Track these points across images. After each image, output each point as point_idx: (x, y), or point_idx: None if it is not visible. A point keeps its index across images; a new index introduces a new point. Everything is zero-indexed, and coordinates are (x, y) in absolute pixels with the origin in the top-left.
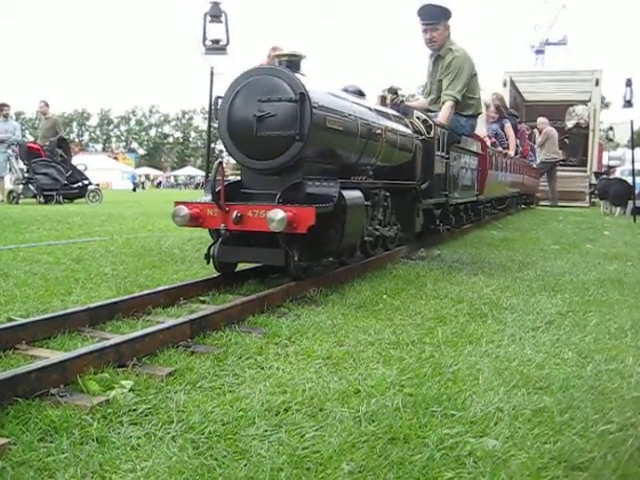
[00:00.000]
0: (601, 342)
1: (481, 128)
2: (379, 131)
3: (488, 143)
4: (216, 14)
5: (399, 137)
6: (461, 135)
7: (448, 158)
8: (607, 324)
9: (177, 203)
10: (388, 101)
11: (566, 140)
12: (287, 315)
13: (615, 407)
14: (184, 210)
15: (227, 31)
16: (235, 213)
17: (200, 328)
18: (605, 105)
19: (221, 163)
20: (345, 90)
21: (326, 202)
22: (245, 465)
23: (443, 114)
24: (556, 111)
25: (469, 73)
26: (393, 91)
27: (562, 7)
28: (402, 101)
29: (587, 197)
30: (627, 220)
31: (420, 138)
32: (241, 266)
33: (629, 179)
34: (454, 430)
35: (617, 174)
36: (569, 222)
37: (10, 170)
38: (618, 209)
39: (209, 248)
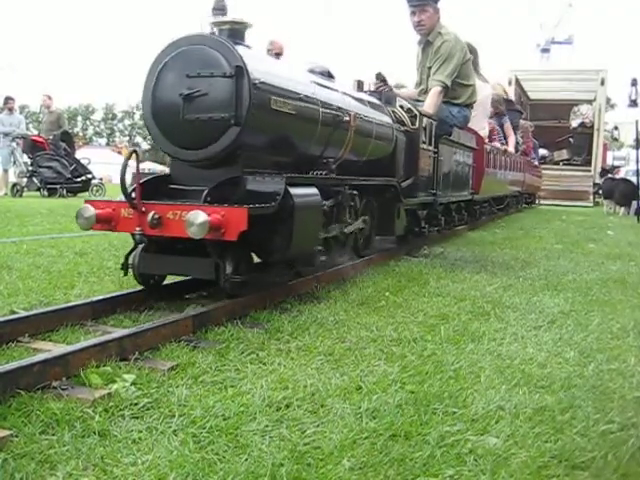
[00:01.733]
0: (603, 342)
1: (480, 122)
2: (347, 118)
3: (486, 132)
4: (220, 7)
5: (375, 127)
6: (452, 126)
7: (437, 152)
8: (609, 324)
9: (86, 202)
10: (369, 87)
11: (570, 139)
12: (289, 311)
13: (616, 407)
14: (90, 210)
15: None
16: (152, 214)
17: (202, 323)
18: (610, 105)
19: (135, 152)
20: (311, 71)
21: (267, 201)
22: (246, 460)
23: (429, 102)
24: (561, 110)
25: (460, 57)
26: (381, 77)
27: (568, 6)
28: (390, 89)
29: (591, 197)
30: (631, 220)
31: (402, 129)
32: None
33: (633, 179)
34: (455, 428)
35: (622, 174)
36: (572, 221)
37: (14, 163)
38: (622, 209)
39: (126, 256)
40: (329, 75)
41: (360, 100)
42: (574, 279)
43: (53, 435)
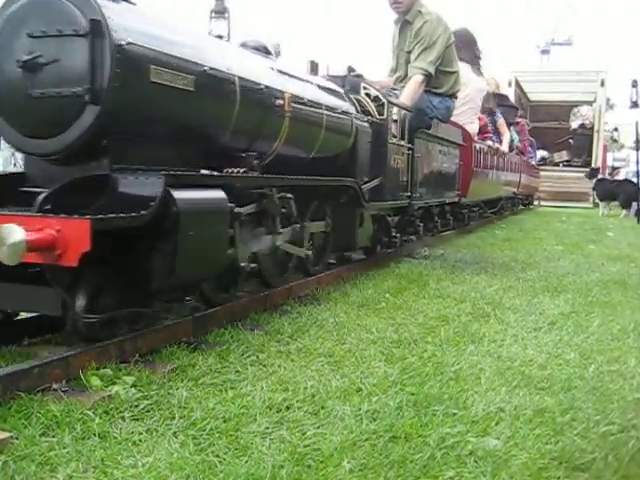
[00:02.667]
0: (603, 343)
1: (469, 118)
2: (281, 101)
3: (475, 129)
4: (220, 10)
5: (327, 116)
6: (433, 119)
7: (412, 148)
8: (610, 325)
9: None
10: (327, 72)
11: (570, 141)
12: (289, 313)
13: (617, 408)
14: None
15: (229, 27)
16: None
17: (202, 325)
18: (610, 106)
19: None
20: (243, 45)
21: (134, 208)
22: (246, 462)
23: (408, 91)
24: (561, 111)
25: (444, 41)
26: (351, 70)
27: (567, 7)
28: (359, 75)
29: (590, 198)
30: (631, 221)
31: (366, 120)
32: None
33: (633, 180)
34: (455, 429)
35: (621, 175)
36: (572, 223)
37: (14, 165)
38: (624, 211)
39: None
40: (266, 51)
41: (306, 82)
42: (574, 280)
43: (53, 437)
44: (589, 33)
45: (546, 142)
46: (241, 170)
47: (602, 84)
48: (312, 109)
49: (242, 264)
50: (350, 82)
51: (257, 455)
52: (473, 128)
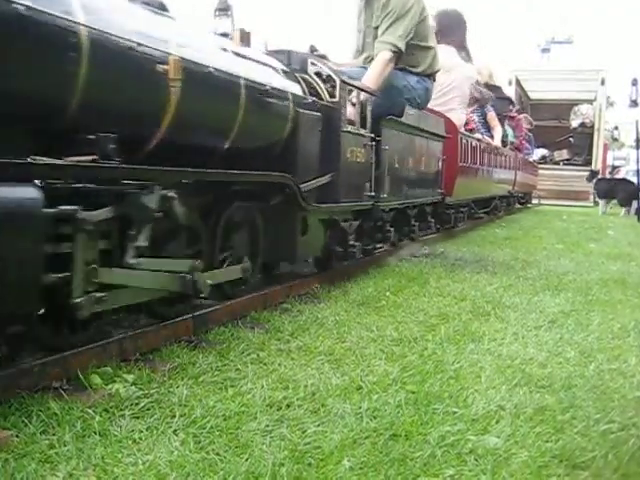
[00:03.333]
0: (604, 341)
1: (454, 107)
2: (164, 67)
3: (461, 120)
4: (224, 8)
5: (246, 92)
6: (410, 102)
7: (378, 139)
8: (610, 324)
9: None
10: (265, 46)
11: (571, 139)
12: (289, 311)
13: (617, 406)
14: None
15: (233, 25)
16: None
17: (203, 323)
18: (610, 104)
19: None
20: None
21: None
22: (246, 460)
23: (373, 72)
24: (561, 110)
25: (416, 13)
26: (313, 50)
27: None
28: (323, 56)
29: (591, 197)
30: (631, 220)
31: (311, 103)
32: None
33: (633, 179)
34: (456, 427)
35: (622, 174)
36: (573, 221)
37: None
38: (623, 209)
39: None
40: (161, 8)
41: (223, 49)
42: (574, 279)
43: (54, 435)
44: (589, 32)
45: (546, 141)
46: (89, 158)
47: (602, 83)
48: (220, 82)
49: (79, 300)
50: (296, 58)
51: (257, 453)
52: (459, 119)
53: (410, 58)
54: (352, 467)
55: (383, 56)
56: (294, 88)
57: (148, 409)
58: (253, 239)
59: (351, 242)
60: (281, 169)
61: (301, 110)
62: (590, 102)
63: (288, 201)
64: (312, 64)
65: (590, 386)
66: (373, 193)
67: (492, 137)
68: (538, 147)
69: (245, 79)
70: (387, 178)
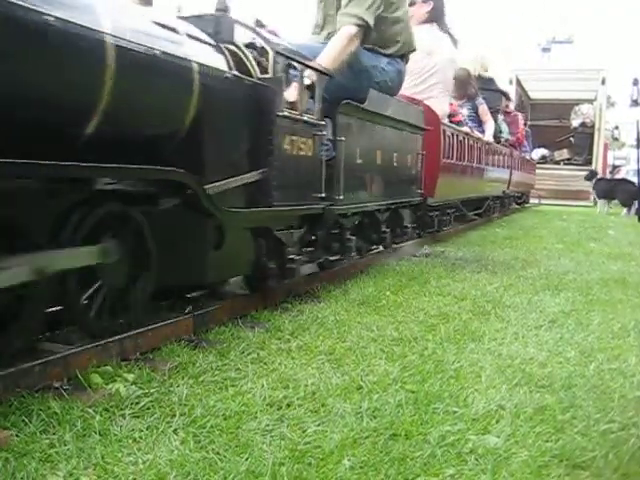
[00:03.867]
0: (604, 341)
1: (434, 94)
2: None
3: (444, 111)
4: (222, 9)
5: (118, 56)
6: (381, 86)
7: (334, 129)
8: (610, 323)
9: None
10: (178, 10)
11: (571, 139)
12: (290, 310)
13: (617, 406)
14: None
15: None
16: None
17: (203, 323)
18: (611, 104)
19: None
20: None
21: None
22: (246, 459)
23: (331, 48)
24: (562, 110)
25: None
26: (260, 24)
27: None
28: (273, 32)
29: (591, 196)
30: (632, 220)
31: (227, 77)
32: None
33: (634, 179)
34: (456, 427)
35: (622, 174)
36: (573, 221)
37: None
38: (624, 209)
39: None
40: None
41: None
42: (575, 279)
43: (54, 434)
44: (590, 31)
45: (547, 140)
46: None
47: (603, 82)
48: (69, 37)
49: None
50: (222, 24)
51: (257, 452)
52: (442, 108)
53: (380, 36)
54: (352, 466)
55: (347, 30)
56: (211, 59)
57: (148, 408)
58: (137, 256)
59: (291, 256)
60: (184, 164)
61: (213, 87)
62: (591, 102)
63: (189, 205)
64: (235, 30)
65: (590, 386)
66: (324, 194)
67: (483, 132)
68: (539, 147)
69: (115, 37)
70: (345, 176)
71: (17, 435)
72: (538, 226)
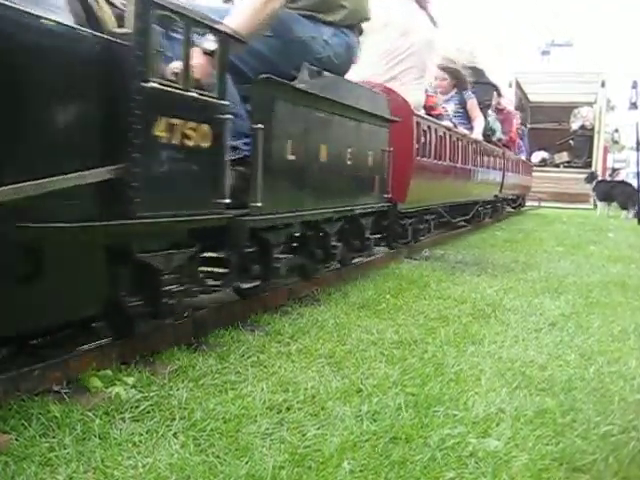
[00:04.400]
0: (604, 344)
1: (411, 83)
2: None
3: (418, 101)
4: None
5: None
6: (324, 63)
7: (248, 112)
8: (610, 326)
9: None
10: None
11: (571, 142)
12: (289, 314)
13: (617, 409)
14: None
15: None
16: None
17: (203, 326)
18: (610, 107)
19: None
20: None
21: None
22: (246, 463)
23: (245, 7)
24: (561, 112)
25: None
26: None
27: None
28: None
29: (591, 199)
30: (632, 222)
31: (50, 29)
32: None
33: (633, 182)
34: (456, 430)
35: (622, 176)
36: (573, 224)
37: None
38: (624, 212)
39: None
40: None
41: None
42: (575, 282)
43: (54, 438)
44: (590, 34)
45: (547, 143)
46: None
47: (602, 85)
48: None
49: None
50: None
51: (257, 456)
52: (416, 96)
53: (316, 3)
54: (352, 470)
55: None
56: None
57: (148, 412)
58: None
59: (167, 287)
60: None
61: (25, 43)
62: (590, 105)
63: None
64: None
65: (590, 389)
66: (229, 200)
67: (472, 129)
68: (539, 150)
69: None
70: (267, 177)
71: (17, 439)
72: (538, 229)
